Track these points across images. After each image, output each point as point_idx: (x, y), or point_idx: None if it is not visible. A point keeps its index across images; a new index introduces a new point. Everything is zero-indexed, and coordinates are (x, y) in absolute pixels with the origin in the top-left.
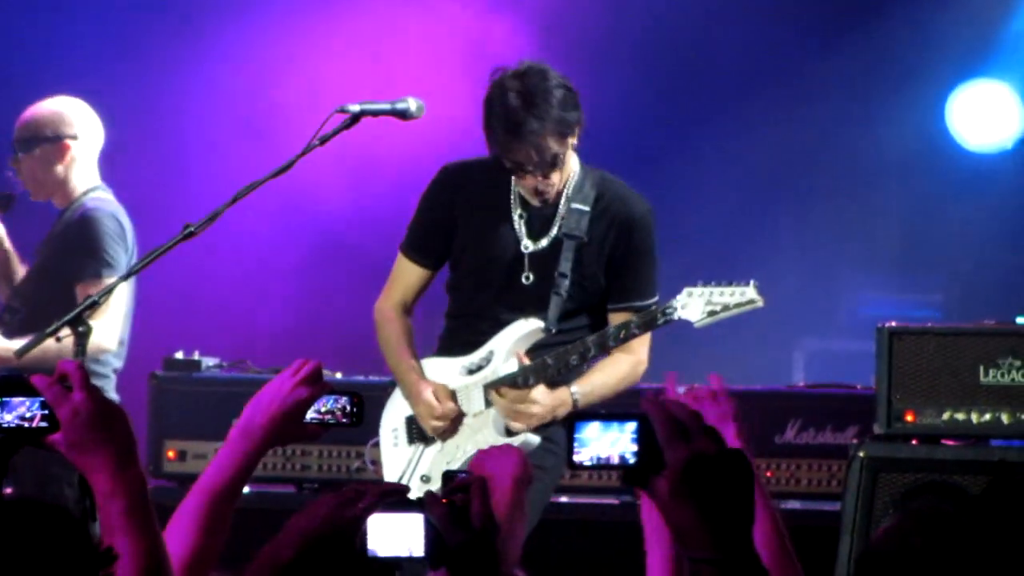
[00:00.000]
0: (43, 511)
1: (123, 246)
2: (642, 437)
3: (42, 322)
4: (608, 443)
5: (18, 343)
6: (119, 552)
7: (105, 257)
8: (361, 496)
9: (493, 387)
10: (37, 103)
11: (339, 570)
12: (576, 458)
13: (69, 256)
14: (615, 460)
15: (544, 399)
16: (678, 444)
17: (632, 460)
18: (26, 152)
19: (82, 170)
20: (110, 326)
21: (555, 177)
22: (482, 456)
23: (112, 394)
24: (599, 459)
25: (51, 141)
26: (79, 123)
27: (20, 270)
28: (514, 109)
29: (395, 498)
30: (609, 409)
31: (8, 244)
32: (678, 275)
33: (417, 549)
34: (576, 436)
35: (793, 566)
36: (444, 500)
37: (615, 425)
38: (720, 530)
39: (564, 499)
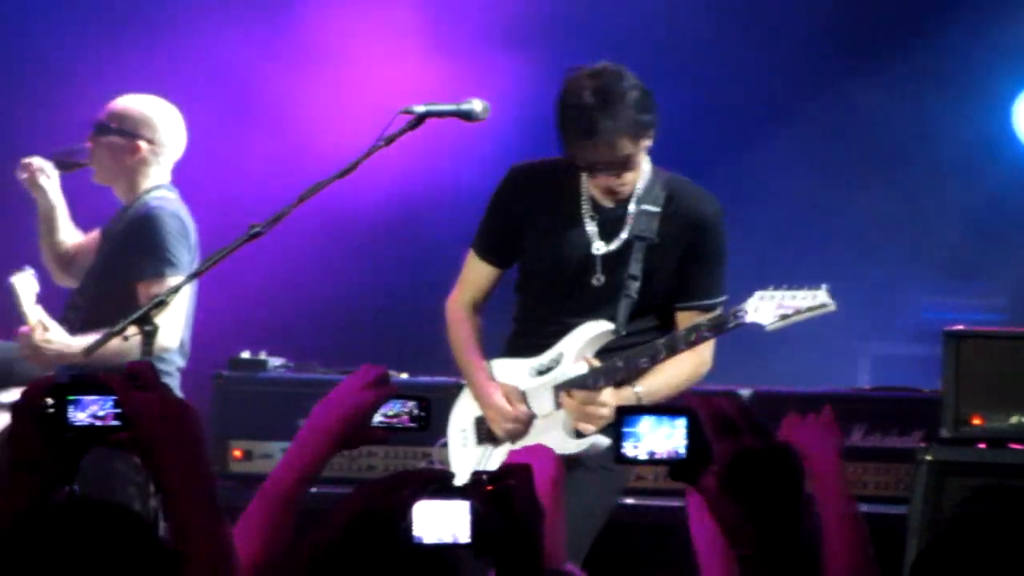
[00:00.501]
0: (108, 512)
1: (186, 245)
2: (692, 432)
3: (104, 320)
4: (658, 438)
5: (82, 340)
6: (188, 552)
7: (168, 256)
8: (405, 483)
9: (563, 389)
10: (134, 95)
11: (383, 557)
12: (625, 452)
13: (132, 254)
14: (664, 455)
15: (612, 400)
16: (725, 440)
17: (681, 455)
18: (100, 135)
19: (151, 172)
20: (172, 324)
21: (629, 177)
22: (515, 456)
23: (178, 393)
24: (649, 454)
25: (125, 136)
26: (161, 129)
27: (67, 227)
28: (588, 108)
29: (440, 484)
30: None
31: (57, 198)
32: (742, 276)
33: (462, 536)
34: (625, 430)
35: (873, 570)
36: (489, 487)
37: (665, 420)
38: (766, 526)
39: (631, 501)
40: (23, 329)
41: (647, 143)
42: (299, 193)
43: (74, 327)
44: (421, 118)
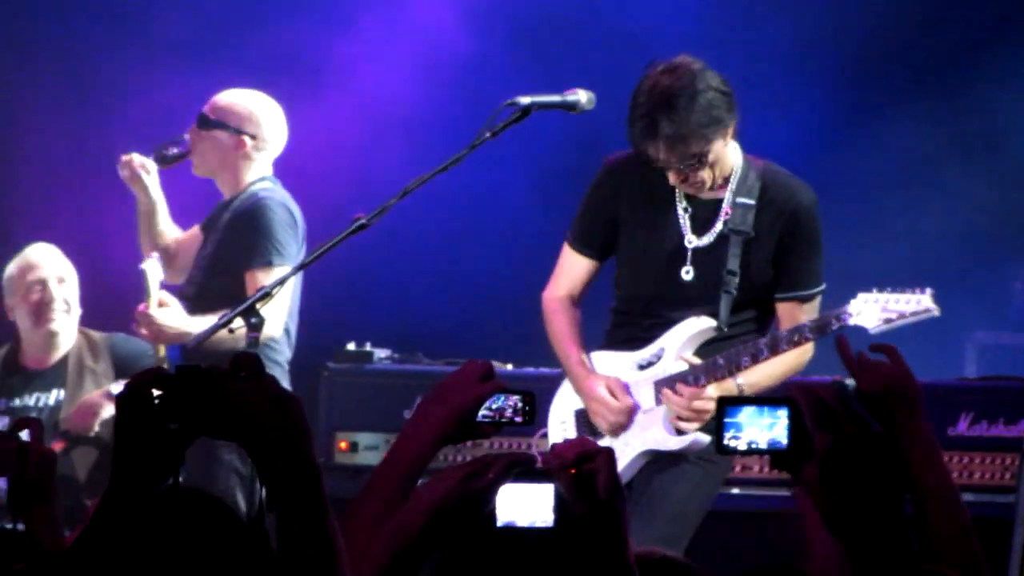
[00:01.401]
0: (200, 502)
1: (294, 235)
2: (793, 422)
3: (213, 310)
4: (759, 429)
5: (201, 322)
6: (293, 543)
7: (276, 245)
8: (489, 467)
9: (665, 386)
10: (237, 89)
11: (467, 541)
12: (727, 443)
13: (241, 244)
14: (765, 445)
15: (716, 395)
16: (825, 429)
17: (783, 445)
18: (204, 129)
19: (254, 166)
20: (276, 314)
21: (703, 174)
22: (559, 449)
23: (285, 384)
24: (750, 444)
25: (230, 131)
26: (265, 125)
27: (167, 223)
28: (652, 109)
29: (524, 468)
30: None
31: (157, 194)
32: (846, 269)
33: (546, 519)
34: (727, 421)
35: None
36: (572, 471)
37: (766, 410)
38: (867, 514)
39: (735, 491)
40: (141, 307)
41: (721, 142)
42: (404, 186)
43: None
44: (526, 110)
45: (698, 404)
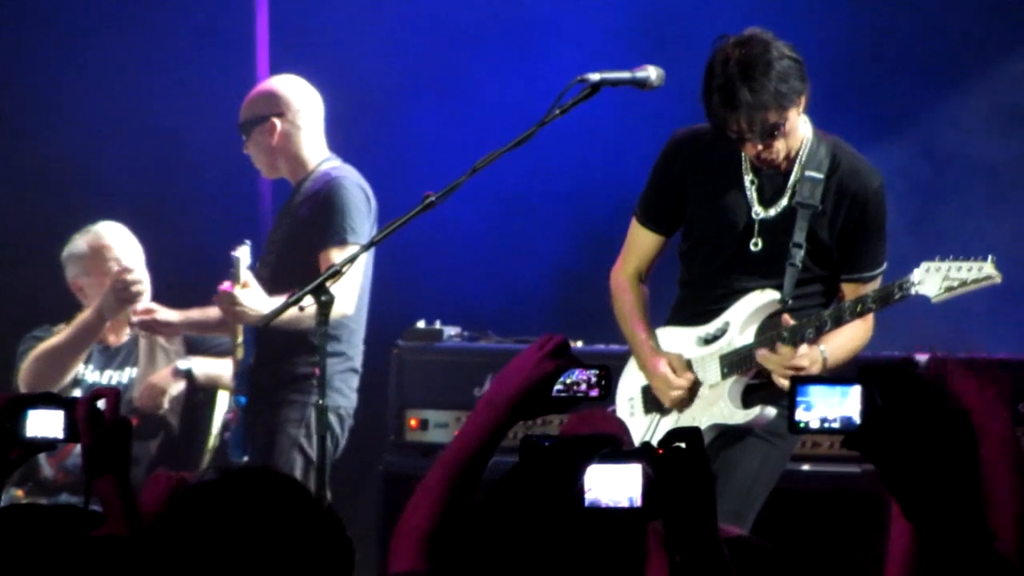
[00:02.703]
0: (274, 480)
1: (367, 214)
2: (866, 401)
3: (285, 289)
4: (830, 407)
5: (276, 302)
6: None
7: (351, 224)
8: (577, 447)
9: (732, 358)
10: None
11: (555, 521)
12: (799, 420)
13: (315, 224)
14: (838, 424)
15: (810, 354)
16: (898, 408)
17: (855, 423)
18: (247, 137)
19: (304, 142)
20: (348, 293)
21: (778, 145)
22: (571, 425)
23: (356, 364)
24: (821, 421)
25: (260, 121)
26: (286, 98)
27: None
28: (730, 79)
29: (611, 449)
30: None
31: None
32: (912, 243)
33: (634, 499)
34: (799, 399)
35: None
36: (660, 450)
37: (839, 389)
38: (941, 496)
39: (806, 467)
40: (226, 285)
41: (795, 112)
42: (473, 163)
43: None
44: (596, 87)
45: (796, 361)
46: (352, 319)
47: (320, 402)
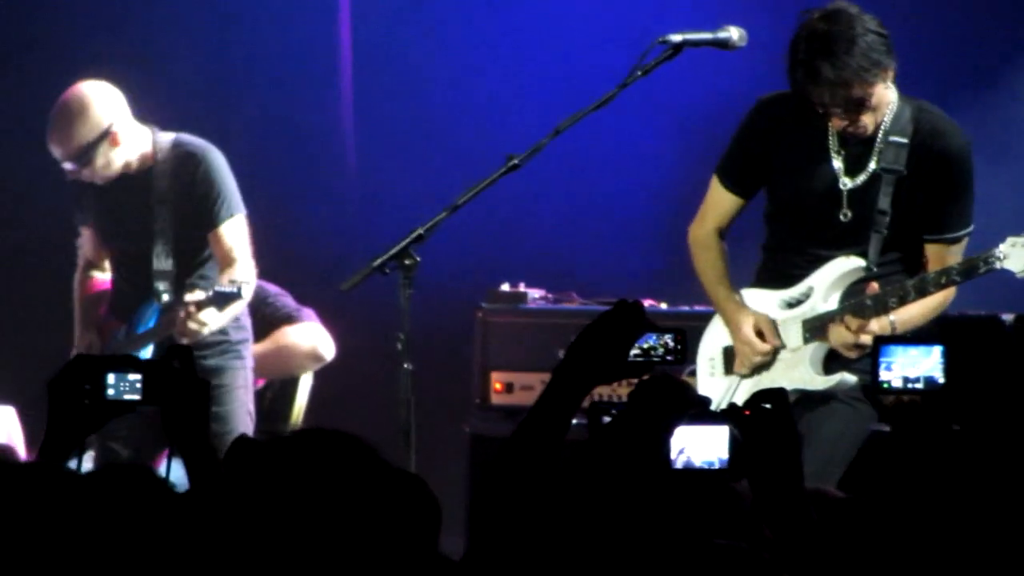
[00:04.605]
0: (339, 439)
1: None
2: (948, 361)
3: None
4: (913, 365)
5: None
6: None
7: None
8: (665, 408)
9: (814, 323)
10: (56, 116)
11: (641, 480)
12: (883, 380)
13: (199, 199)
14: (921, 383)
15: (879, 322)
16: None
17: (938, 382)
18: (86, 165)
19: (137, 128)
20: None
21: (865, 118)
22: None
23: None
24: (904, 380)
25: (102, 139)
26: (109, 106)
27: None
28: (813, 54)
29: (698, 410)
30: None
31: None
32: (995, 213)
33: (721, 460)
34: (882, 359)
35: None
36: (746, 411)
37: (921, 349)
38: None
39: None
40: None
41: (881, 86)
42: (556, 124)
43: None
44: (678, 47)
45: (864, 339)
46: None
47: (406, 366)
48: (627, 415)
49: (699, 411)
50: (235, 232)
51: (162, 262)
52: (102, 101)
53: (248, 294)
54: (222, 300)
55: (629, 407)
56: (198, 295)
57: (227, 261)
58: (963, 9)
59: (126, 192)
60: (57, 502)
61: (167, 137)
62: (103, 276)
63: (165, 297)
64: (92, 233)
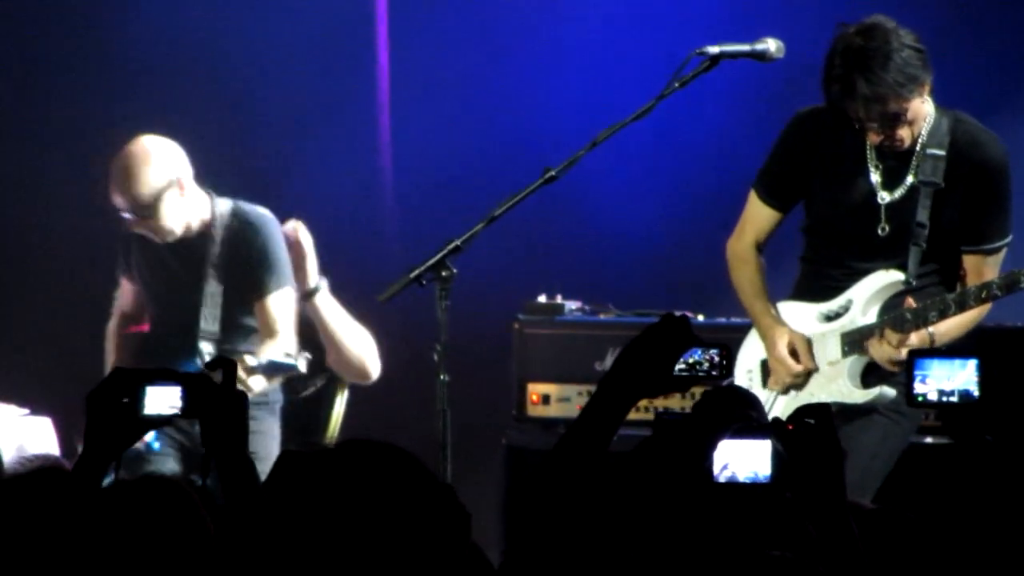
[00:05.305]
0: (384, 451)
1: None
2: (983, 374)
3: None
4: (948, 379)
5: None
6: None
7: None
8: (709, 422)
9: (853, 337)
10: (121, 165)
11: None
12: (918, 393)
13: (253, 268)
14: (956, 396)
15: (917, 343)
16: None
17: (974, 395)
18: (151, 216)
19: (196, 188)
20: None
21: (902, 132)
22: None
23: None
24: (939, 393)
25: (170, 187)
26: (176, 158)
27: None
28: (848, 69)
29: (742, 424)
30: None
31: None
32: None
33: (764, 473)
34: (917, 372)
35: None
36: (789, 426)
37: (956, 362)
38: None
39: (929, 440)
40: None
41: (918, 101)
42: (593, 136)
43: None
44: (715, 59)
45: (905, 353)
46: None
47: (442, 377)
48: (688, 425)
49: (742, 426)
50: (282, 304)
51: (209, 324)
52: (169, 152)
53: (304, 368)
54: (275, 371)
55: (691, 418)
56: (250, 360)
57: (269, 332)
58: (1000, 21)
59: (180, 256)
60: (94, 514)
61: (226, 204)
62: (139, 328)
63: (208, 358)
64: (134, 288)
